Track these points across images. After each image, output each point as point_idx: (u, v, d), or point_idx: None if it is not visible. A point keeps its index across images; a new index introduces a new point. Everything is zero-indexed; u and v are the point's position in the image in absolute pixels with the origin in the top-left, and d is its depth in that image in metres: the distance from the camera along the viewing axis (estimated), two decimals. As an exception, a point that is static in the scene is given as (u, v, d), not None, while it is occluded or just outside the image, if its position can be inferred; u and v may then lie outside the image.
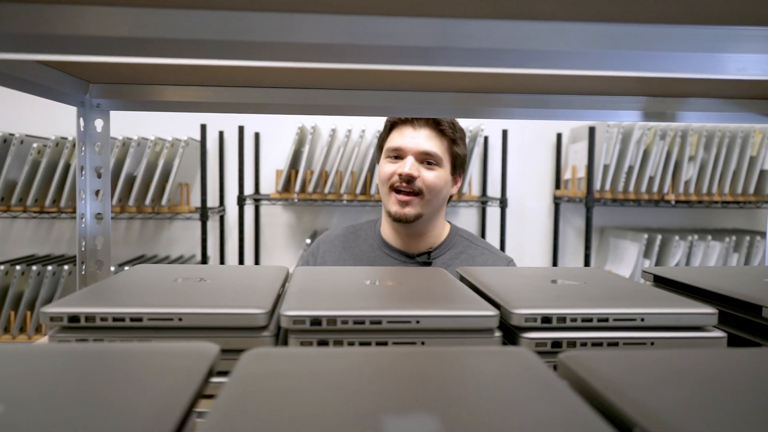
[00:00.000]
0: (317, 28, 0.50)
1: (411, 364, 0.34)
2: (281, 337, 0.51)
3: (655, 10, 0.48)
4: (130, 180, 2.01)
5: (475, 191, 2.40)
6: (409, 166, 1.11)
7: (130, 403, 0.27)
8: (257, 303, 0.51)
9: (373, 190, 2.11)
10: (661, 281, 0.74)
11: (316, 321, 0.48)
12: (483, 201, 2.31)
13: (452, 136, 1.15)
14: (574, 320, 0.51)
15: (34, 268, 2.05)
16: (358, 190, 2.09)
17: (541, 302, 0.53)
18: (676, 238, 2.08)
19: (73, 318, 0.48)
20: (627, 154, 2.05)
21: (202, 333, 0.49)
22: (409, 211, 1.12)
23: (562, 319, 0.51)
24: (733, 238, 2.11)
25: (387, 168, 1.14)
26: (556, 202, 2.39)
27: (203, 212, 2.07)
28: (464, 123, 2.13)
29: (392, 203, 1.13)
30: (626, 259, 2.15)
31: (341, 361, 0.34)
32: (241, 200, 2.18)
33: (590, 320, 0.51)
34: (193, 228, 2.41)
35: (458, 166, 1.18)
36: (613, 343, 0.51)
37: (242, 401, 0.27)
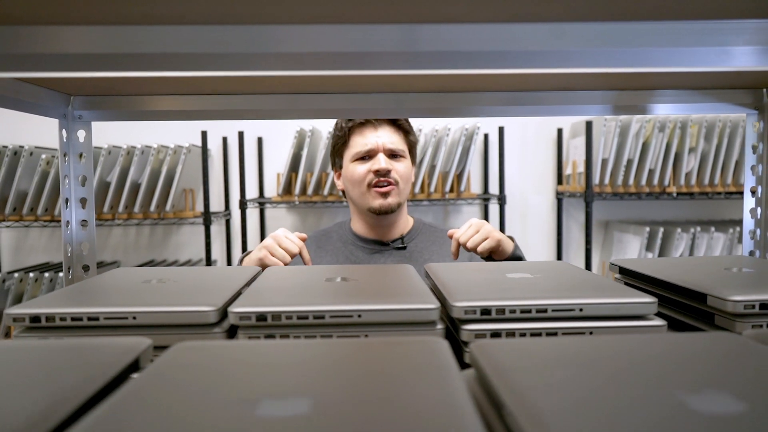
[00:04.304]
0: (289, 38, 0.53)
1: (320, 354, 0.36)
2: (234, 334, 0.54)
3: (622, 8, 0.49)
4: (135, 187, 2.06)
5: (477, 189, 2.40)
6: (383, 161, 1.19)
7: (30, 393, 0.29)
8: (209, 301, 0.53)
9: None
10: (625, 272, 0.75)
11: (261, 317, 0.51)
12: (485, 198, 2.31)
13: (407, 128, 1.25)
14: (512, 312, 0.52)
15: (46, 275, 2.11)
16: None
17: (483, 295, 0.55)
18: (678, 230, 2.06)
19: (35, 318, 0.51)
20: (626, 148, 2.04)
21: (157, 331, 0.52)
22: (392, 200, 1.20)
23: (501, 310, 0.52)
24: (738, 229, 2.08)
25: (360, 169, 1.20)
26: (559, 197, 2.38)
27: (206, 217, 2.11)
28: (461, 122, 2.14)
29: (372, 198, 1.20)
30: (629, 253, 2.14)
31: (256, 352, 0.37)
32: (243, 204, 2.22)
33: (529, 311, 0.52)
34: (200, 233, 2.45)
35: (414, 155, 1.28)
36: (552, 333, 0.52)
37: (138, 393, 0.29)
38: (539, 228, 2.45)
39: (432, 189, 2.11)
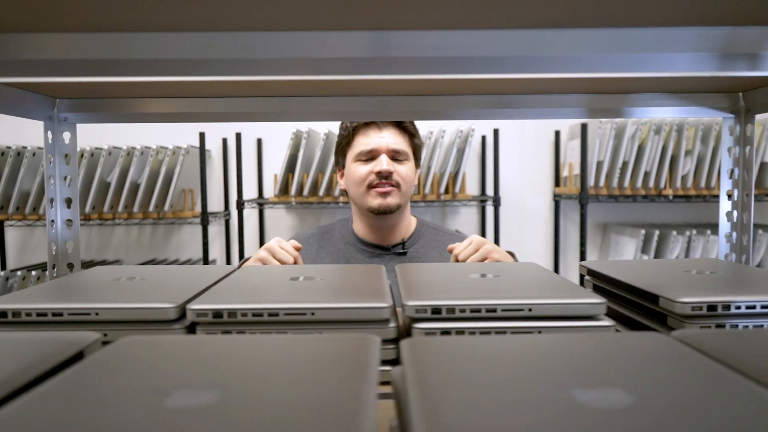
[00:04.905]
0: (263, 45, 0.55)
1: (246, 349, 0.38)
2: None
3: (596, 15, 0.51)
4: (135, 187, 2.10)
5: (475, 191, 2.41)
6: (385, 163, 1.19)
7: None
8: (171, 298, 0.55)
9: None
10: (592, 274, 0.76)
11: (217, 314, 0.52)
12: (482, 200, 2.32)
13: (412, 132, 1.24)
14: (462, 311, 0.54)
15: (47, 273, 2.15)
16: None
17: (437, 295, 0.56)
18: (674, 233, 2.06)
19: (2, 314, 0.53)
20: (621, 150, 2.04)
21: (120, 327, 0.54)
22: (391, 200, 1.20)
23: (451, 310, 0.54)
24: (734, 232, 2.07)
25: (361, 169, 1.21)
26: (556, 199, 2.39)
27: (204, 217, 2.14)
28: (456, 124, 2.16)
29: (372, 198, 1.20)
30: (626, 255, 2.14)
31: (193, 347, 0.38)
32: (240, 205, 2.25)
33: (479, 311, 0.54)
34: (200, 232, 2.49)
35: (418, 158, 1.28)
36: (502, 332, 0.54)
37: (66, 382, 0.31)
38: (537, 230, 2.46)
39: (427, 190, 2.13)
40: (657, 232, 2.07)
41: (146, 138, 2.20)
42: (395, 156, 1.21)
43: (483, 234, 2.41)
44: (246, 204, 2.31)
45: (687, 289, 0.58)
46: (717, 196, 2.12)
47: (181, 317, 0.54)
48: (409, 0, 0.47)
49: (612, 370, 0.33)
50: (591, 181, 2.11)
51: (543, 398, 0.29)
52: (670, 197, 2.10)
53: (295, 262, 1.03)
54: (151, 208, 2.08)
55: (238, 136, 2.32)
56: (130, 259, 2.53)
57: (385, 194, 1.19)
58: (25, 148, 2.13)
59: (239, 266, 1.13)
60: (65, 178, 0.90)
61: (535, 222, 2.45)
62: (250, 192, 2.42)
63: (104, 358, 0.35)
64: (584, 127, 2.08)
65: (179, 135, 2.21)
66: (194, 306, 0.52)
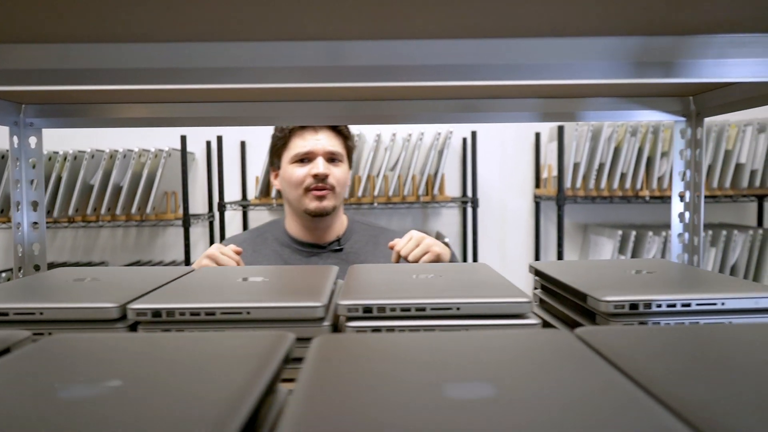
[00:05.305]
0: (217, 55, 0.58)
1: (154, 346, 0.40)
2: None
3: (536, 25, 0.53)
4: (117, 190, 2.12)
5: (456, 192, 2.44)
6: (321, 166, 1.22)
7: None
8: (115, 298, 0.57)
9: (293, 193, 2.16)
10: (538, 274, 0.78)
11: (156, 313, 0.55)
12: (463, 201, 2.35)
13: (346, 134, 1.29)
14: (393, 310, 0.56)
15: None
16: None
17: (371, 294, 0.58)
18: (650, 233, 2.09)
19: (-51, 314, 0.55)
20: (598, 152, 2.07)
21: (64, 326, 0.56)
22: (327, 203, 1.24)
23: (382, 309, 0.56)
24: (710, 232, 2.10)
25: (298, 171, 1.24)
26: (537, 200, 2.41)
27: (185, 219, 2.16)
28: (435, 128, 2.18)
29: (309, 201, 1.24)
30: (604, 256, 2.17)
31: (110, 345, 0.41)
32: (221, 207, 2.27)
33: (408, 310, 0.56)
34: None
35: (351, 160, 1.32)
36: (431, 331, 0.56)
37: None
38: (518, 231, 2.48)
39: (406, 192, 2.15)
40: (634, 233, 2.10)
41: (129, 141, 2.22)
42: (331, 157, 1.25)
43: (464, 235, 2.44)
44: (229, 206, 2.33)
45: (613, 289, 0.60)
46: (693, 197, 2.15)
47: (123, 317, 0.57)
48: (364, 13, 0.49)
49: (491, 365, 0.36)
50: (568, 183, 2.13)
51: (409, 392, 0.31)
52: (647, 198, 2.13)
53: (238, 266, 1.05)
54: (134, 210, 2.10)
55: (220, 139, 2.34)
56: (115, 260, 2.55)
57: (321, 197, 1.23)
58: (8, 150, 2.15)
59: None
60: (32, 182, 0.92)
61: (516, 223, 2.48)
62: (234, 194, 2.44)
63: (24, 354, 0.38)
64: (561, 129, 2.11)
65: (162, 138, 2.23)
66: (134, 306, 0.55)
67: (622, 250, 2.10)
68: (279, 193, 1.31)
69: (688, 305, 0.58)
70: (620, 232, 2.09)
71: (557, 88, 0.91)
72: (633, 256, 2.10)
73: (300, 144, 1.24)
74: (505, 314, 0.57)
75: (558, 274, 0.71)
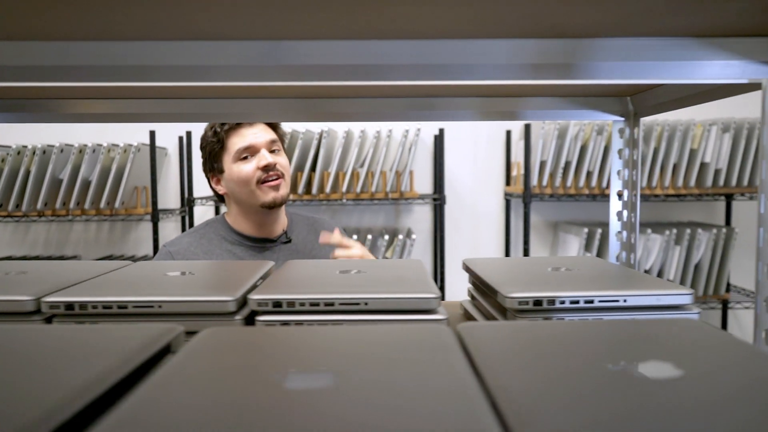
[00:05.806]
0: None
1: (53, 338, 0.41)
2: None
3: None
4: (86, 184, 2.12)
5: (428, 189, 2.46)
6: (268, 156, 1.25)
7: None
8: (31, 291, 0.58)
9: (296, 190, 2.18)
10: (468, 270, 0.80)
11: (69, 306, 0.56)
12: (435, 198, 2.37)
13: (276, 125, 1.33)
14: (302, 305, 0.58)
15: (0, 269, 2.16)
16: (300, 189, 2.16)
17: (283, 289, 0.60)
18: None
19: None
20: (564, 150, 2.09)
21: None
22: (283, 191, 1.27)
23: (291, 303, 0.57)
24: (674, 231, 2.14)
25: (246, 167, 1.25)
26: (507, 198, 2.44)
27: (154, 214, 2.17)
28: (403, 125, 2.19)
29: (265, 193, 1.25)
30: (570, 253, 2.20)
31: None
32: (190, 202, 2.28)
33: (317, 304, 0.58)
34: (159, 229, 2.51)
35: (284, 149, 1.35)
36: (338, 325, 0.58)
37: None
38: (489, 228, 2.51)
39: (375, 189, 2.16)
40: (599, 231, 2.13)
41: (100, 136, 2.22)
42: (272, 147, 1.28)
43: (437, 232, 2.46)
44: (200, 201, 2.33)
45: (521, 285, 0.62)
46: (658, 196, 2.19)
47: (39, 310, 0.58)
48: (309, 15, 0.50)
49: (347, 358, 0.37)
50: (535, 181, 2.16)
51: (248, 384, 0.32)
52: (613, 196, 2.15)
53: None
54: (103, 204, 2.10)
55: (189, 134, 2.35)
56: (88, 254, 2.54)
57: (276, 187, 1.26)
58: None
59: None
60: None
61: (487, 220, 2.50)
62: (205, 189, 2.44)
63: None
64: (528, 127, 2.14)
65: (131, 133, 2.23)
66: (48, 299, 0.56)
67: (588, 247, 2.13)
68: (222, 198, 1.31)
69: (591, 302, 0.60)
70: (586, 230, 2.12)
71: (499, 88, 0.92)
72: (598, 253, 2.13)
73: (239, 141, 1.26)
74: (414, 309, 0.59)
75: (481, 270, 0.73)
